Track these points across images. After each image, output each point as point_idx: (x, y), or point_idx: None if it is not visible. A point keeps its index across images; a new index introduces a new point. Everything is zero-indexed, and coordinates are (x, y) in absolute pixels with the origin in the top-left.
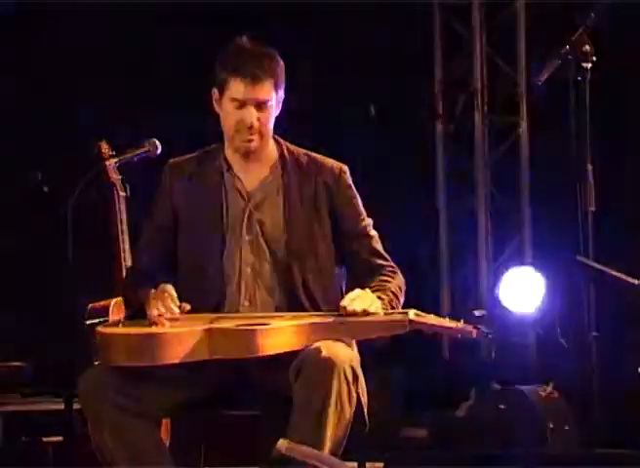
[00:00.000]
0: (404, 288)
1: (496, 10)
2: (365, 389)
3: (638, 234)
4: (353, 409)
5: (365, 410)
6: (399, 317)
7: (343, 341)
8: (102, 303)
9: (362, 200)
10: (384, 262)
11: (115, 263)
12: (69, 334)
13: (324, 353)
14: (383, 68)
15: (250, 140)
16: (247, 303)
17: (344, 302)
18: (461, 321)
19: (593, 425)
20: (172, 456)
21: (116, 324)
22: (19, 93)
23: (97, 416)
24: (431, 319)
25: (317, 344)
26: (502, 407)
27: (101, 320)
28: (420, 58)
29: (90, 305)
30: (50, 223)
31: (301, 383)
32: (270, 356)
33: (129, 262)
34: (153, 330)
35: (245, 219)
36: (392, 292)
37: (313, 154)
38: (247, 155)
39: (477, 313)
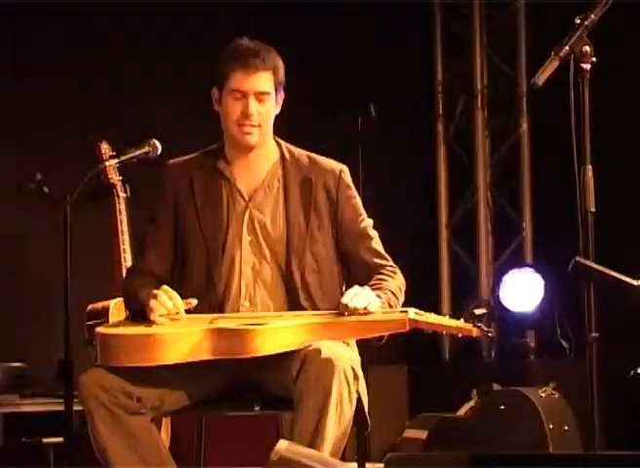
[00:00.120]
0: (404, 288)
1: (496, 10)
2: (365, 389)
3: (637, 235)
4: (353, 409)
5: (365, 411)
6: (399, 316)
7: (343, 341)
8: (102, 304)
9: (362, 200)
10: (384, 262)
11: (115, 264)
12: (69, 335)
13: (324, 353)
14: (383, 68)
15: (249, 133)
16: (247, 303)
17: (345, 300)
18: (461, 320)
19: (593, 426)
20: (172, 456)
21: (116, 324)
22: (18, 93)
23: (96, 417)
24: (431, 318)
25: (317, 345)
26: (503, 407)
27: (101, 321)
28: (421, 59)
29: (90, 306)
30: (50, 224)
31: (302, 383)
32: (270, 356)
33: (129, 263)
34: (153, 330)
35: (245, 220)
36: (391, 291)
37: (313, 155)
38: (247, 151)
39: (477, 312)
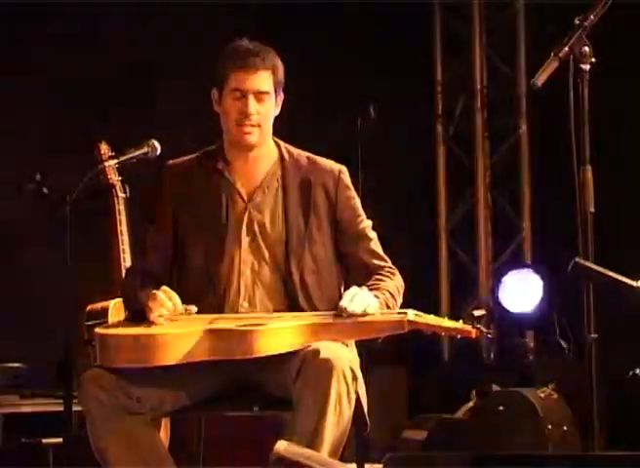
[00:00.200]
0: (402, 289)
1: (495, 10)
2: (364, 390)
3: (637, 235)
4: (352, 410)
5: (364, 412)
6: (398, 317)
7: (342, 342)
8: (102, 304)
9: (361, 201)
10: (383, 263)
11: (114, 264)
12: (69, 335)
13: (323, 354)
14: (383, 68)
15: (249, 133)
16: (246, 304)
17: (343, 303)
18: (461, 321)
19: (592, 427)
20: (172, 456)
21: (115, 325)
22: (18, 93)
23: (96, 418)
24: (430, 319)
25: (316, 345)
26: (502, 408)
27: (101, 321)
28: (420, 59)
29: (89, 306)
30: (49, 224)
31: (301, 384)
32: (269, 356)
33: (128, 263)
34: (153, 331)
35: (244, 220)
36: (389, 292)
37: (312, 155)
38: (246, 150)
39: (476, 313)
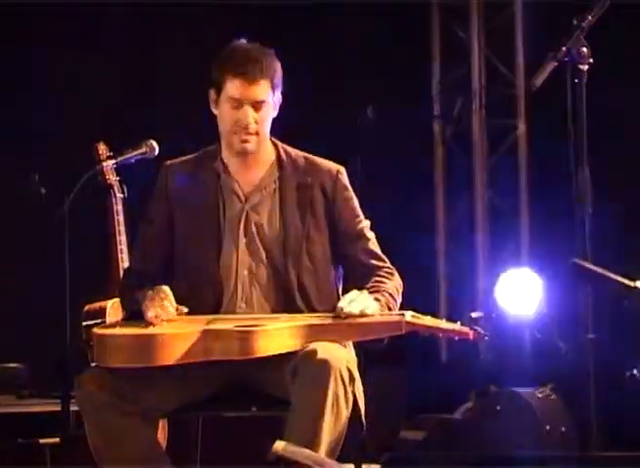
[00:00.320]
0: (401, 289)
1: (494, 11)
2: (362, 391)
3: (636, 236)
4: (350, 410)
5: (362, 412)
6: (396, 318)
7: (340, 343)
8: (99, 305)
9: (360, 201)
10: (381, 263)
11: (112, 264)
12: (66, 336)
13: (320, 354)
14: (383, 68)
15: (246, 141)
16: (243, 305)
17: (342, 304)
18: (458, 322)
19: (590, 427)
20: (169, 456)
21: (113, 325)
22: (17, 93)
23: (93, 418)
24: (428, 320)
25: (313, 346)
26: (500, 409)
27: (98, 321)
28: (419, 59)
29: (87, 307)
30: (47, 225)
31: (298, 385)
32: (267, 357)
33: (126, 264)
34: (150, 331)
35: (242, 221)
36: (389, 294)
37: (310, 156)
38: (243, 156)
39: (474, 315)
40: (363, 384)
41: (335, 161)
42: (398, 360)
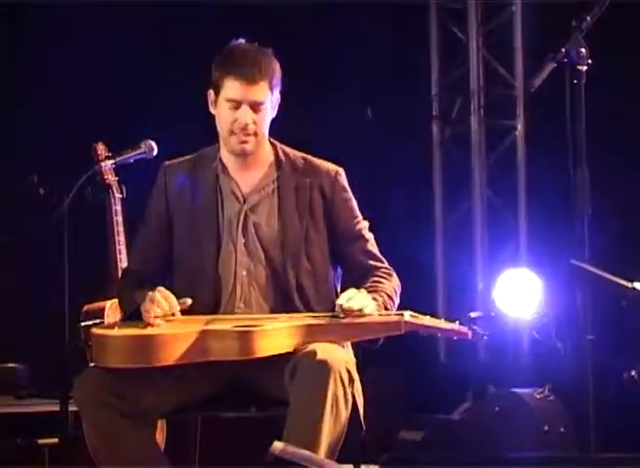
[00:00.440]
0: (399, 290)
1: (492, 12)
2: (360, 391)
3: (634, 237)
4: (349, 411)
5: (361, 413)
6: (395, 318)
7: (338, 343)
8: (98, 305)
9: (358, 202)
10: (379, 264)
11: (111, 265)
12: (65, 336)
13: (319, 355)
14: (382, 69)
15: (245, 142)
16: (242, 305)
17: (341, 301)
18: (457, 322)
19: (589, 428)
20: (167, 456)
21: (112, 325)
22: (16, 93)
23: (92, 418)
24: (427, 320)
25: (312, 346)
26: (498, 409)
27: (97, 321)
28: (418, 60)
29: (85, 307)
30: (46, 225)
31: (297, 385)
32: (266, 358)
33: (125, 264)
34: (149, 331)
35: (240, 222)
36: (386, 294)
37: (309, 157)
38: (242, 157)
39: (473, 314)
40: (362, 385)
41: (333, 161)
42: (397, 360)
